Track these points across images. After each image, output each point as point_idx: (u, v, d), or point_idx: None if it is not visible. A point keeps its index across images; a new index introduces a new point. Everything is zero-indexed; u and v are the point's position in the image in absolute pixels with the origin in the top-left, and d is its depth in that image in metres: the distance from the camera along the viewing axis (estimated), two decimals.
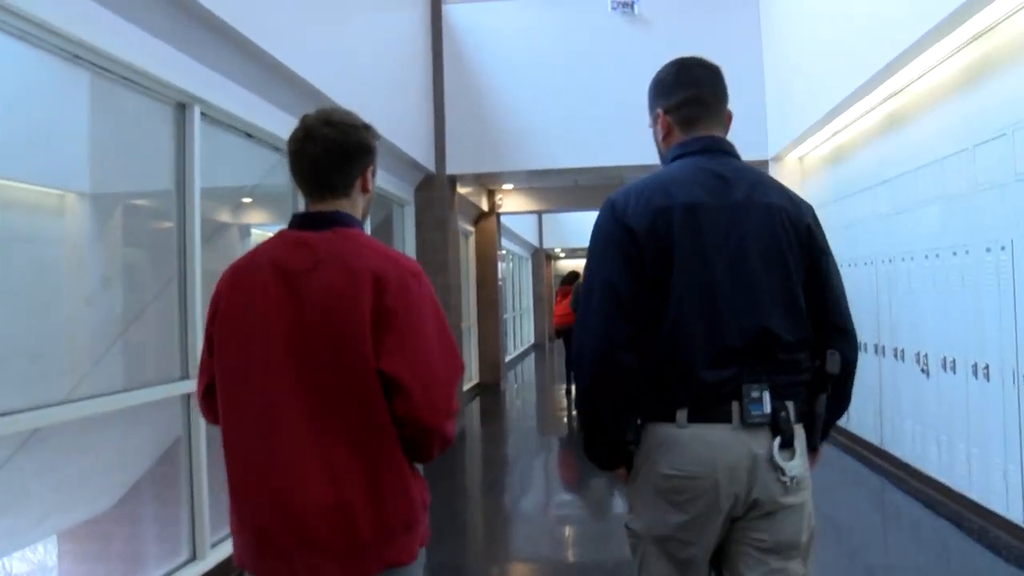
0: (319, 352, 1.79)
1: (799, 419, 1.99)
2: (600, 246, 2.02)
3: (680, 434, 1.93)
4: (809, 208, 2.14)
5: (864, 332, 6.83)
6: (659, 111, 2.18)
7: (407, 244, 9.02)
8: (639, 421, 2.03)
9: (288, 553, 1.79)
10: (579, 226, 23.45)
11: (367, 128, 1.97)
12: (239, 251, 5.67)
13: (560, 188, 13.15)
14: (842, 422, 7.27)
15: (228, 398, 1.87)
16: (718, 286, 1.94)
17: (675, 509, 1.95)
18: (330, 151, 1.90)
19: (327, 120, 1.92)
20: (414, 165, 8.62)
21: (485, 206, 12.94)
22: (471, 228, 13.07)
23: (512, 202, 13.33)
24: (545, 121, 9.09)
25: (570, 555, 5.33)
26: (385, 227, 8.96)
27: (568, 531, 5.75)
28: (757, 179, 2.08)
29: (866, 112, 6.76)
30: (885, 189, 6.42)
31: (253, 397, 1.83)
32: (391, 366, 1.76)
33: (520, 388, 14.49)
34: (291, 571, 1.80)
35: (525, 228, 20.52)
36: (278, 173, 5.66)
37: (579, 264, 25.53)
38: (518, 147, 9.11)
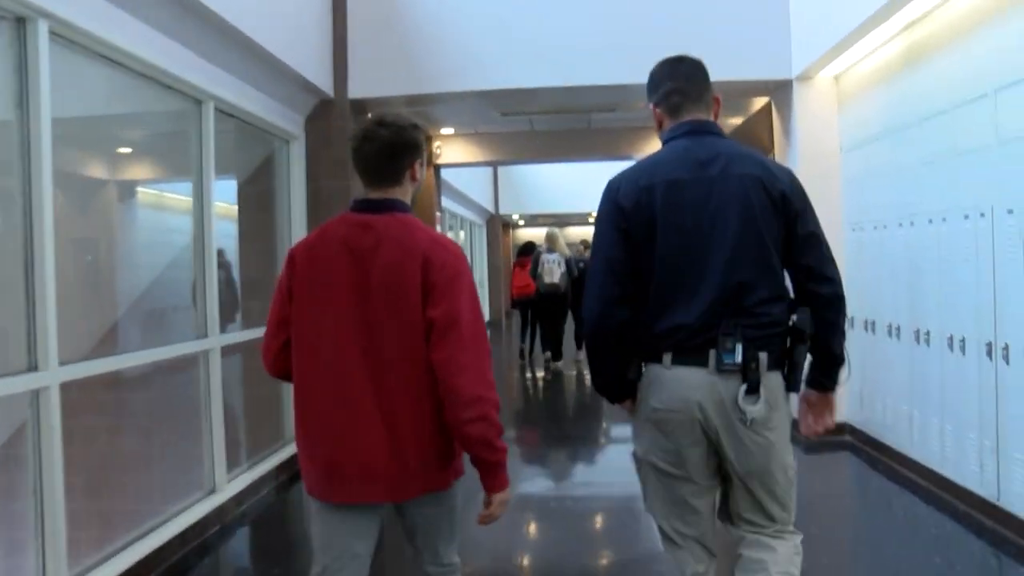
0: (379, 316, 2.21)
1: (774, 367, 2.29)
2: (601, 222, 2.39)
3: (665, 373, 2.31)
4: (787, 174, 2.39)
5: (960, 323, 4.53)
6: (651, 105, 2.50)
7: (293, 196, 6.50)
8: (642, 363, 2.39)
9: (350, 481, 2.24)
10: (539, 191, 21.33)
11: (415, 127, 2.38)
12: None
13: (513, 134, 10.68)
14: (932, 463, 4.97)
15: (305, 356, 2.26)
16: (693, 248, 2.27)
17: (663, 437, 2.34)
18: (383, 149, 2.30)
19: (380, 122, 2.33)
20: (302, 84, 6.13)
21: None
22: None
23: (454, 151, 10.83)
24: (486, 28, 6.62)
25: None
26: (263, 172, 6.45)
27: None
28: (733, 154, 2.34)
29: None
30: (1006, 103, 4.06)
31: (326, 354, 2.23)
32: (434, 314, 2.19)
33: None
34: (350, 495, 2.26)
35: (478, 191, 18.03)
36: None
37: (539, 234, 23.51)
38: (450, 61, 6.61)
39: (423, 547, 2.40)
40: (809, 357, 2.36)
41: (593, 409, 8.92)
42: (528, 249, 12.35)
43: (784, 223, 2.28)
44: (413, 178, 2.38)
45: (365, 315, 2.20)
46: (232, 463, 5.23)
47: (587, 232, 23.86)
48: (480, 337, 2.25)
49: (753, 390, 2.22)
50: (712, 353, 2.23)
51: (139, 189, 5.79)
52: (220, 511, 4.77)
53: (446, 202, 14.73)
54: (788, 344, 2.30)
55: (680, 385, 2.27)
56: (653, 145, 10.62)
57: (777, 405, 2.28)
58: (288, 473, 5.97)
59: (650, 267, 2.28)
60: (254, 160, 6.42)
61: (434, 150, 10.58)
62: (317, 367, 2.24)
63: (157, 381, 5.08)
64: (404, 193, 2.36)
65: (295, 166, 6.51)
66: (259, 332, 6.24)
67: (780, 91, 6.73)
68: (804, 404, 2.46)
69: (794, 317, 2.31)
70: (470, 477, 2.35)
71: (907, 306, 5.24)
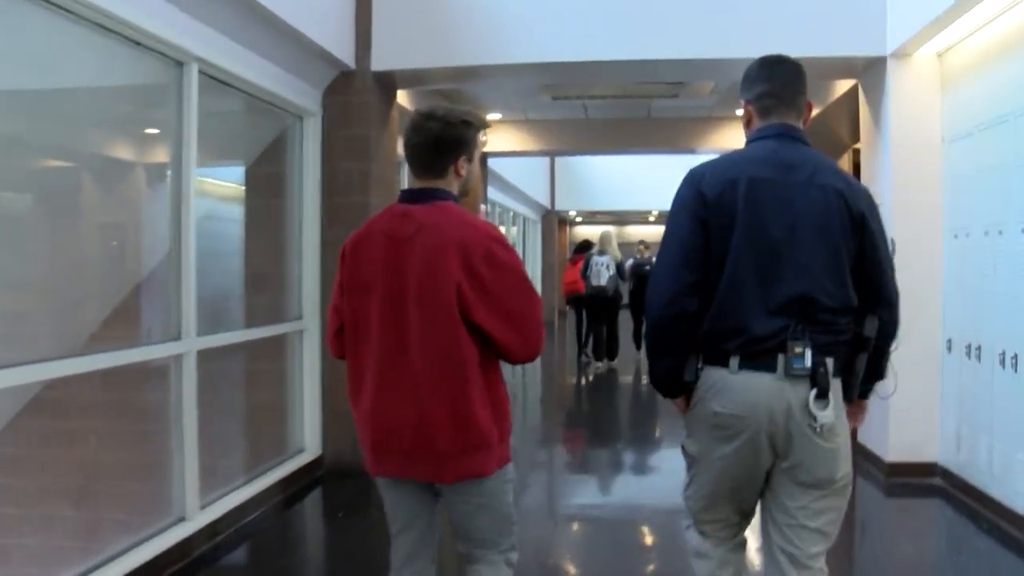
0: (416, 303, 2.28)
1: (838, 374, 2.30)
2: (678, 207, 2.37)
3: (732, 378, 2.28)
4: (866, 194, 2.38)
5: None
6: (743, 102, 2.48)
7: (306, 179, 5.77)
8: (700, 365, 2.38)
9: (391, 459, 2.38)
10: (597, 187, 20.44)
11: (465, 123, 2.42)
12: None
13: (566, 121, 9.83)
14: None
15: (353, 342, 2.40)
16: (772, 250, 2.26)
17: (721, 441, 2.32)
18: (428, 142, 2.37)
19: (430, 115, 2.39)
20: (317, 53, 5.38)
21: None
22: None
23: (502, 138, 10.02)
24: None
25: None
26: (273, 152, 5.73)
27: None
28: (820, 163, 2.35)
29: None
30: None
31: (368, 339, 2.35)
32: (487, 323, 2.28)
33: (512, 386, 11.26)
34: (394, 471, 2.40)
35: (533, 184, 17.23)
36: None
37: (596, 232, 22.65)
38: (493, 29, 5.77)
39: (463, 536, 2.47)
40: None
41: (644, 425, 8.25)
42: (584, 247, 12.48)
43: (859, 242, 2.30)
44: (458, 173, 2.42)
45: (404, 302, 2.29)
46: (215, 483, 4.53)
47: (645, 232, 23.01)
48: (537, 315, 2.39)
49: (823, 395, 2.23)
50: (781, 358, 2.23)
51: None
52: (187, 543, 4.05)
53: (496, 195, 13.97)
54: (850, 352, 2.33)
55: (748, 390, 2.26)
56: (717, 137, 9.68)
57: (841, 411, 2.31)
58: (294, 488, 5.35)
59: (722, 263, 2.27)
60: (263, 139, 5.71)
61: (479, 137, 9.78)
62: (363, 352, 2.36)
63: (150, 380, 4.44)
64: (448, 185, 2.41)
65: (309, 146, 5.77)
66: (262, 332, 5.76)
67: (870, 71, 5.75)
68: None
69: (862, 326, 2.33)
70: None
71: None
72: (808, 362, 2.20)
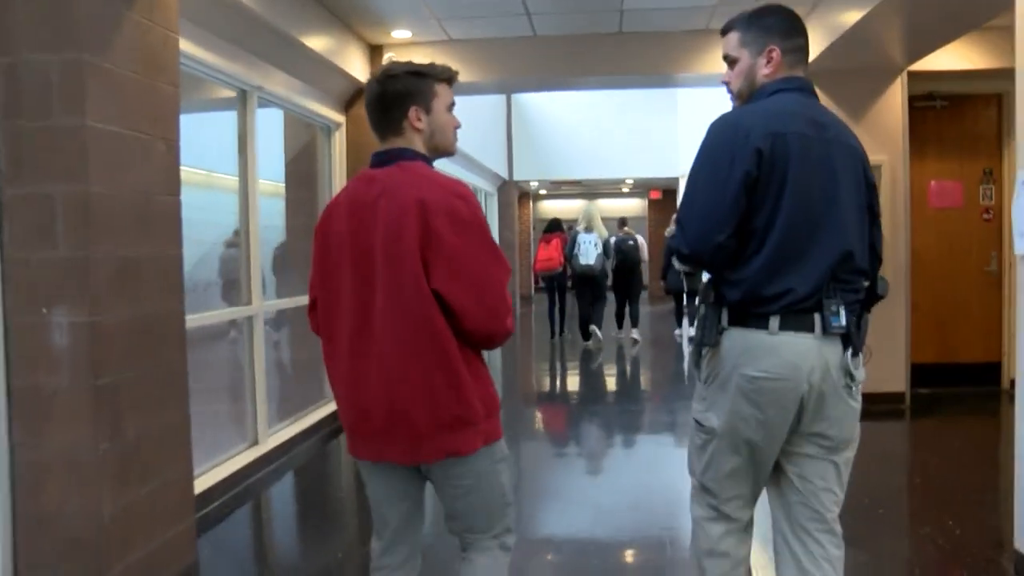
0: (379, 273, 2.14)
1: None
2: (722, 159, 2.18)
3: (771, 340, 2.18)
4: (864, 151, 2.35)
5: None
6: (775, 47, 2.32)
7: None
8: (722, 326, 2.25)
9: (368, 440, 2.24)
10: (561, 153, 17.77)
11: (411, 73, 2.24)
12: None
13: (504, 41, 7.02)
14: None
15: (324, 317, 2.29)
16: (818, 211, 2.18)
17: (755, 408, 2.20)
18: (373, 101, 2.26)
19: (374, 75, 2.28)
20: None
21: (361, 74, 6.86)
22: (338, 116, 7.01)
23: None
24: None
25: None
26: None
27: None
28: (838, 121, 2.30)
29: None
30: None
31: (337, 315, 2.23)
32: (446, 289, 2.10)
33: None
34: (370, 453, 2.27)
35: (485, 149, 14.45)
36: None
37: (569, 208, 20.20)
38: None
39: (454, 519, 2.35)
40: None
41: (634, 413, 7.47)
42: (554, 226, 12.31)
43: (867, 197, 2.31)
44: (415, 128, 2.26)
45: (371, 273, 2.17)
46: None
47: (619, 206, 20.51)
48: (503, 285, 2.22)
49: (857, 353, 2.23)
50: (817, 317, 2.18)
51: None
52: None
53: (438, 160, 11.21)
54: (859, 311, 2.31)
55: (790, 351, 2.18)
56: (711, 59, 6.93)
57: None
58: None
59: (769, 224, 2.17)
60: None
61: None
62: (334, 327, 2.26)
63: None
64: (409, 142, 2.27)
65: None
66: None
67: None
68: None
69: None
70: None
71: None
72: (844, 320, 2.18)
